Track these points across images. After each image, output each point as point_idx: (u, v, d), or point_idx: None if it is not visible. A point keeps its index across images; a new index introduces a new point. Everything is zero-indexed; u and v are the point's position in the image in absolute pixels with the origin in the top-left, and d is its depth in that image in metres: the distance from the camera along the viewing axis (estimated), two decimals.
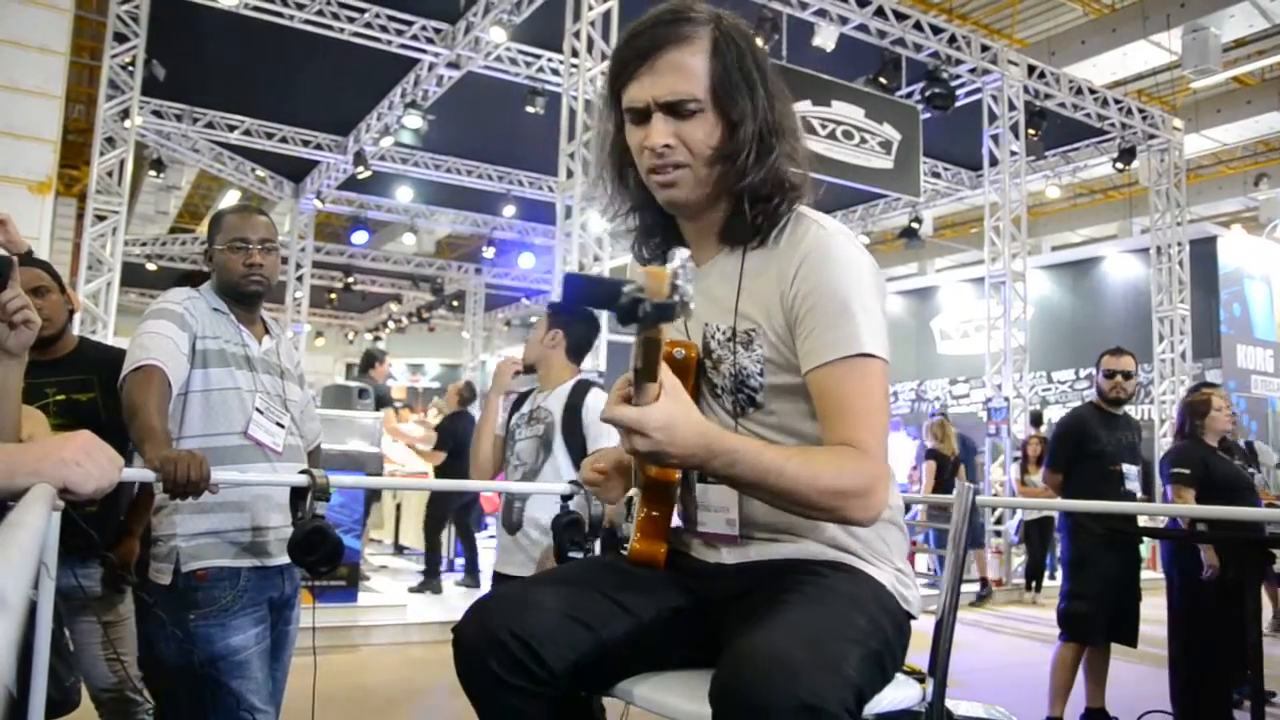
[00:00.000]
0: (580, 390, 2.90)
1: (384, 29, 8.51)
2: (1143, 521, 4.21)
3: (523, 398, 3.04)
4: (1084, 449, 4.06)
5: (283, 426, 2.26)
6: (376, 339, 23.63)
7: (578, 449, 2.81)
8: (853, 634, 1.12)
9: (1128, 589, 4.00)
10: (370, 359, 8.01)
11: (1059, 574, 8.77)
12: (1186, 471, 4.02)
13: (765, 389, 1.29)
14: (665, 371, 1.09)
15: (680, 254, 0.97)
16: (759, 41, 1.33)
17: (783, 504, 1.17)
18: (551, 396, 2.91)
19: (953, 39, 9.11)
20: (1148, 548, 8.76)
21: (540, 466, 2.84)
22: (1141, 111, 10.73)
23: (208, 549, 2.14)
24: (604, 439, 2.78)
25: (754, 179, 1.26)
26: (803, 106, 8.24)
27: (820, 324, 1.21)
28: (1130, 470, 4.09)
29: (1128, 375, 4.11)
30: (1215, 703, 3.90)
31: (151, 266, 15.88)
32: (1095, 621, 3.91)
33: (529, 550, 2.83)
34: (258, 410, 2.22)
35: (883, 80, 8.79)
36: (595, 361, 7.05)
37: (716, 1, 1.31)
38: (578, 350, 2.99)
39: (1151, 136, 10.87)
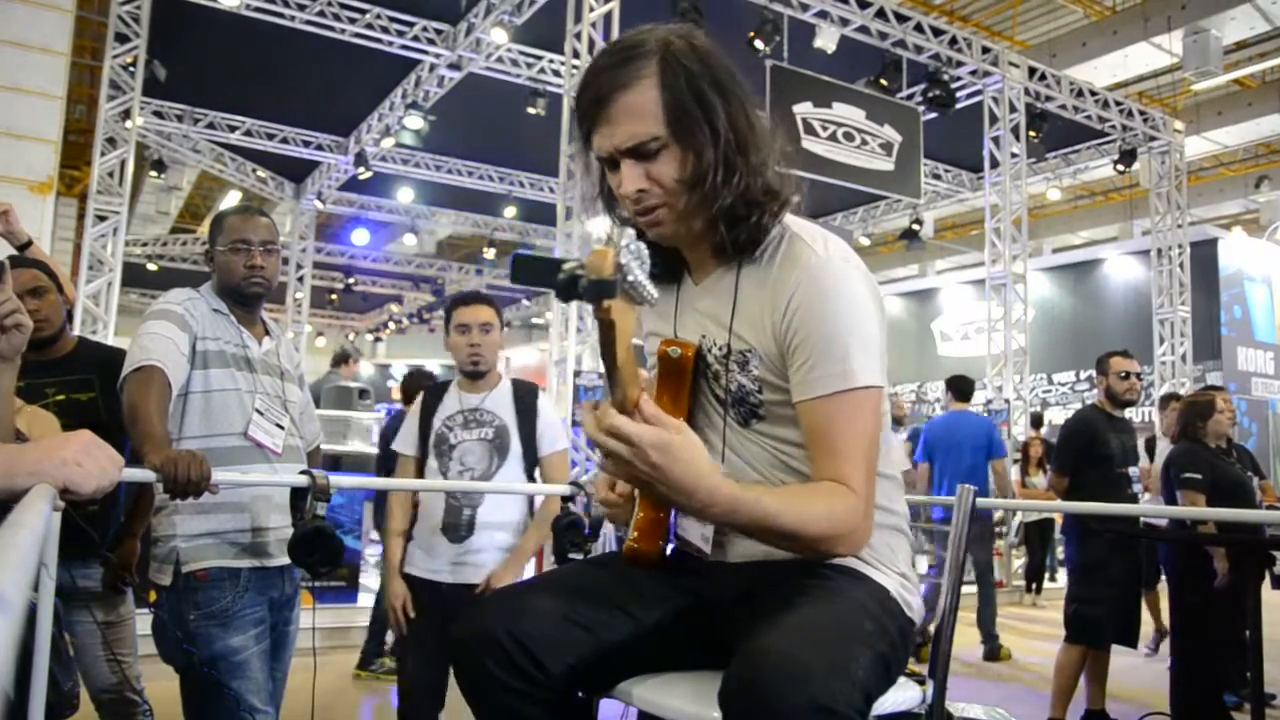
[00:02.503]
0: (530, 392, 2.83)
1: (385, 30, 8.51)
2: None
3: (437, 396, 2.83)
4: (1093, 453, 4.04)
5: (282, 428, 2.26)
6: (377, 340, 23.65)
7: (531, 455, 2.77)
8: (861, 637, 1.13)
9: (1131, 592, 4.01)
10: (343, 357, 7.91)
11: (1059, 576, 8.82)
12: (1198, 476, 4.00)
13: (766, 404, 1.29)
14: (659, 413, 1.09)
15: (627, 234, 0.98)
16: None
17: (775, 544, 1.19)
18: (492, 396, 2.78)
19: (953, 41, 9.11)
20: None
21: (493, 473, 2.72)
22: (1142, 113, 10.74)
23: (208, 549, 2.14)
24: (560, 443, 2.81)
25: (725, 201, 1.23)
26: (803, 108, 8.23)
27: (811, 357, 1.20)
28: (1134, 473, 4.10)
29: (1139, 376, 4.14)
30: (1215, 705, 3.90)
31: (152, 267, 15.90)
32: (1105, 625, 3.91)
33: (478, 562, 2.69)
34: (257, 411, 2.22)
35: (884, 82, 8.79)
36: (597, 363, 7.05)
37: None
38: None
39: (1152, 139, 10.87)
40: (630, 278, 0.98)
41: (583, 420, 1.09)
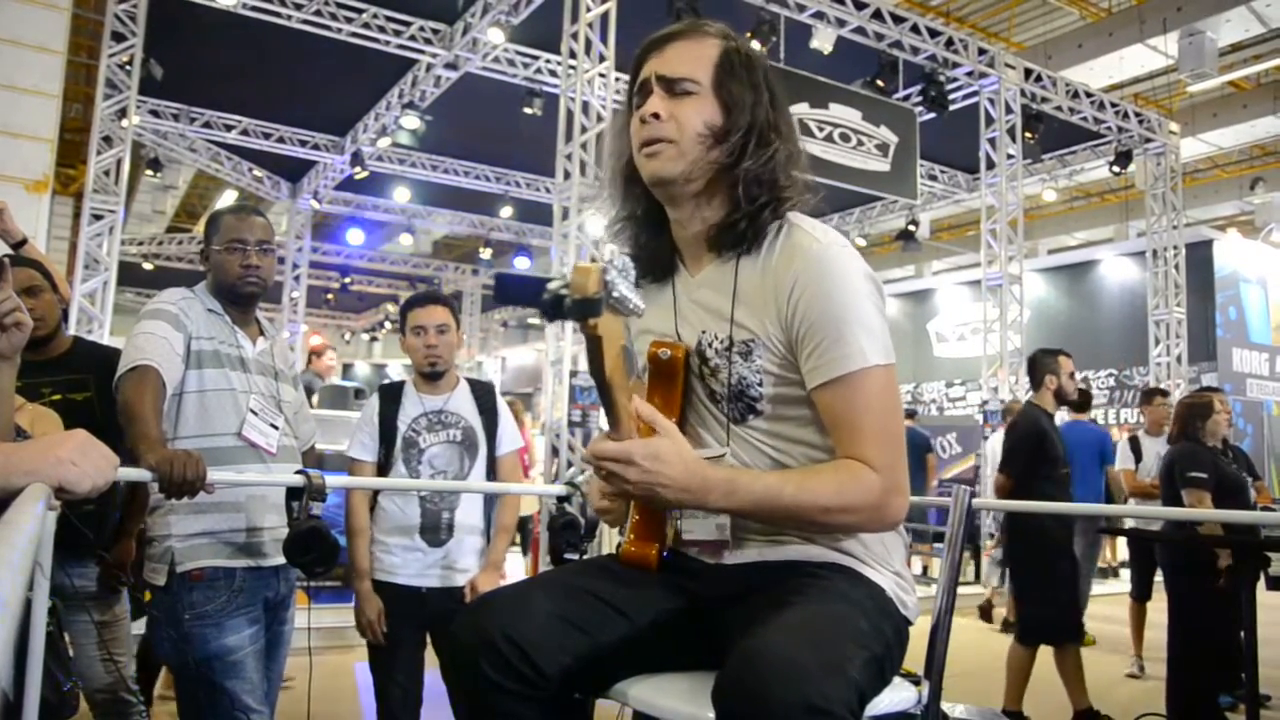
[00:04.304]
0: (489, 391, 2.84)
1: (382, 29, 8.50)
2: (1130, 522, 4.24)
3: (394, 399, 2.74)
4: (1044, 453, 4.04)
5: (276, 428, 2.26)
6: (373, 339, 23.64)
7: (493, 455, 2.78)
8: (856, 637, 1.13)
9: (1077, 589, 4.08)
10: (314, 351, 7.90)
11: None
12: (1204, 475, 4.00)
13: (765, 398, 1.29)
14: (654, 413, 1.14)
15: (609, 249, 0.99)
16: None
17: (789, 526, 1.20)
18: (454, 397, 2.76)
19: (950, 42, 9.12)
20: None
21: (466, 474, 2.72)
22: (1138, 115, 10.76)
23: (203, 549, 2.13)
24: (516, 443, 2.82)
25: (751, 165, 1.28)
26: (800, 109, 8.24)
27: (821, 343, 1.22)
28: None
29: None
30: (1211, 706, 3.90)
31: (148, 266, 15.87)
32: (1068, 623, 3.97)
33: (461, 566, 2.69)
34: (252, 411, 2.21)
35: (880, 83, 8.80)
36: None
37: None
38: None
39: (1148, 140, 10.89)
40: (615, 294, 0.99)
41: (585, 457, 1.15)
